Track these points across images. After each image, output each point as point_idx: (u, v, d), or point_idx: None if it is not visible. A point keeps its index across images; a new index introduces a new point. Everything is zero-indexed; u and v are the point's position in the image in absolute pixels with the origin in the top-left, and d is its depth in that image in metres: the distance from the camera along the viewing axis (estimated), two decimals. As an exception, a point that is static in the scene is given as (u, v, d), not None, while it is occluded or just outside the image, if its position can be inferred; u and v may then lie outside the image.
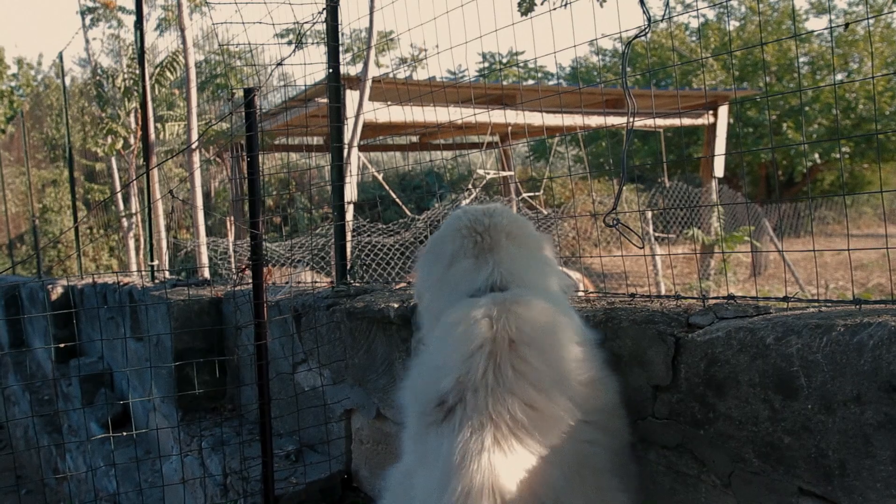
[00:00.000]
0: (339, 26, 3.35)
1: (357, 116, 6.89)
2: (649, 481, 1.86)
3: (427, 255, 2.02)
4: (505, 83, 12.86)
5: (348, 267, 3.51)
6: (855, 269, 14.29)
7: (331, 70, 3.35)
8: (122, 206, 11.51)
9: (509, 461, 1.46)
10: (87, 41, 11.76)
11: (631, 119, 2.16)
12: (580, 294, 2.55)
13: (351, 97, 7.67)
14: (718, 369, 1.67)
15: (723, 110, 12.81)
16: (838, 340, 1.45)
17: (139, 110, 8.42)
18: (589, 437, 1.59)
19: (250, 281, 3.01)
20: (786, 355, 1.53)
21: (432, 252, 1.99)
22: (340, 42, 3.42)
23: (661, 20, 2.31)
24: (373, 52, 7.10)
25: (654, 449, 1.85)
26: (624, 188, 2.28)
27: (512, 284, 1.79)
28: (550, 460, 1.49)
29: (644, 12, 2.10)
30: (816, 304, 1.80)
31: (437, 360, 1.67)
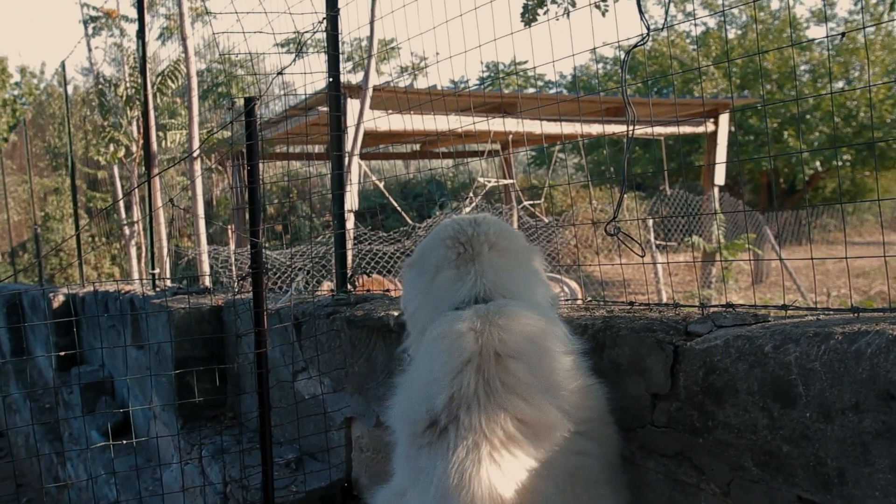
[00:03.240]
0: (340, 35, 3.37)
1: (358, 125, 6.91)
2: (648, 490, 1.86)
3: (413, 267, 2.00)
4: (506, 91, 12.88)
5: (349, 275, 3.51)
6: (857, 276, 14.28)
7: (331, 79, 3.37)
8: (123, 215, 11.55)
9: (505, 477, 1.45)
10: (89, 50, 11.83)
11: (631, 127, 2.17)
12: (578, 302, 2.55)
13: (352, 106, 7.70)
14: (717, 377, 1.67)
15: (724, 118, 12.79)
16: (836, 349, 1.45)
17: (141, 119, 8.44)
18: (580, 448, 1.57)
19: (251, 289, 3.02)
20: (784, 363, 1.53)
21: (418, 262, 1.98)
22: (341, 51, 3.43)
23: (661, 29, 2.32)
24: (373, 61, 7.14)
25: (653, 457, 1.85)
26: (625, 196, 2.28)
27: (496, 295, 1.77)
28: (543, 474, 1.49)
29: (643, 21, 2.11)
30: (815, 313, 1.80)
31: (424, 378, 1.65)
